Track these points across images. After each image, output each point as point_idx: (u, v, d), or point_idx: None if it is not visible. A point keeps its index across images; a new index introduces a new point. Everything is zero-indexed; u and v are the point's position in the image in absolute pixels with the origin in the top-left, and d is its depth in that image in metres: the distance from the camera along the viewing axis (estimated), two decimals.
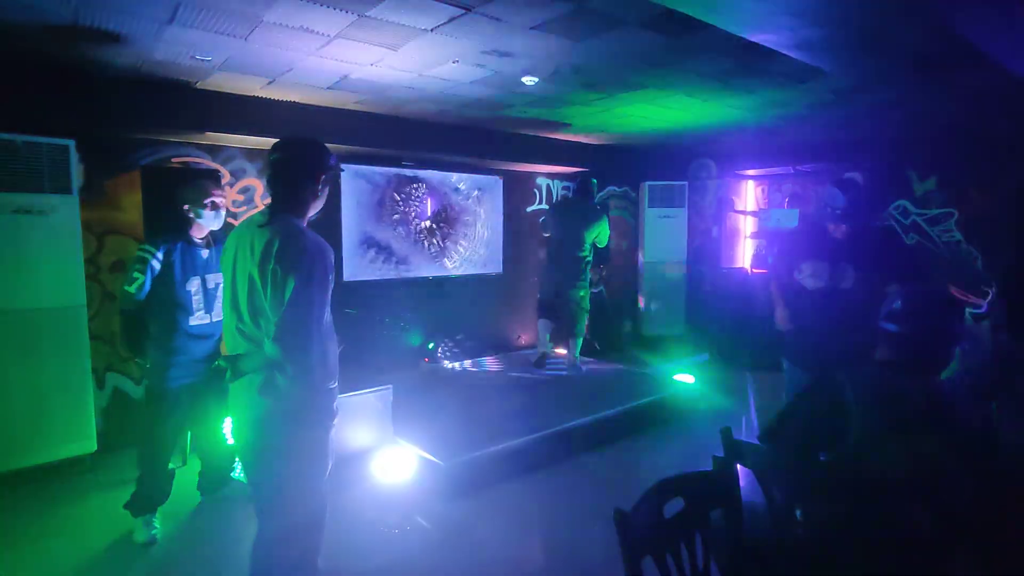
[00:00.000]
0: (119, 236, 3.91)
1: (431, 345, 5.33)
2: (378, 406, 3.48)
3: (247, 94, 3.87)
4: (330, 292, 1.70)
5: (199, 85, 3.65)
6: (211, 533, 2.91)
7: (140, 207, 3.80)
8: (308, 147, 1.75)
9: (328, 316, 1.75)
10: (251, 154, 4.42)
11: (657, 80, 3.55)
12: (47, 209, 3.31)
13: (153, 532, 2.78)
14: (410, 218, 5.27)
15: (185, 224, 2.79)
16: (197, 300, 2.78)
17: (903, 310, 1.58)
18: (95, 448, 3.56)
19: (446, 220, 5.52)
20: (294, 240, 1.63)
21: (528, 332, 6.31)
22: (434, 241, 5.46)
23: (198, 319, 2.78)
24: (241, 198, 4.41)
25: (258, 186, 4.49)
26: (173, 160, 4.09)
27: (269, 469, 1.74)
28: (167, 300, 2.71)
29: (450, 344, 5.46)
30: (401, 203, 5.22)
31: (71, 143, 3.35)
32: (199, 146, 4.18)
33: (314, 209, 1.79)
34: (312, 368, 1.65)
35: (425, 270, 5.40)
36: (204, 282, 2.81)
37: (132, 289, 2.65)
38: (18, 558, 2.67)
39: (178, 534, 2.87)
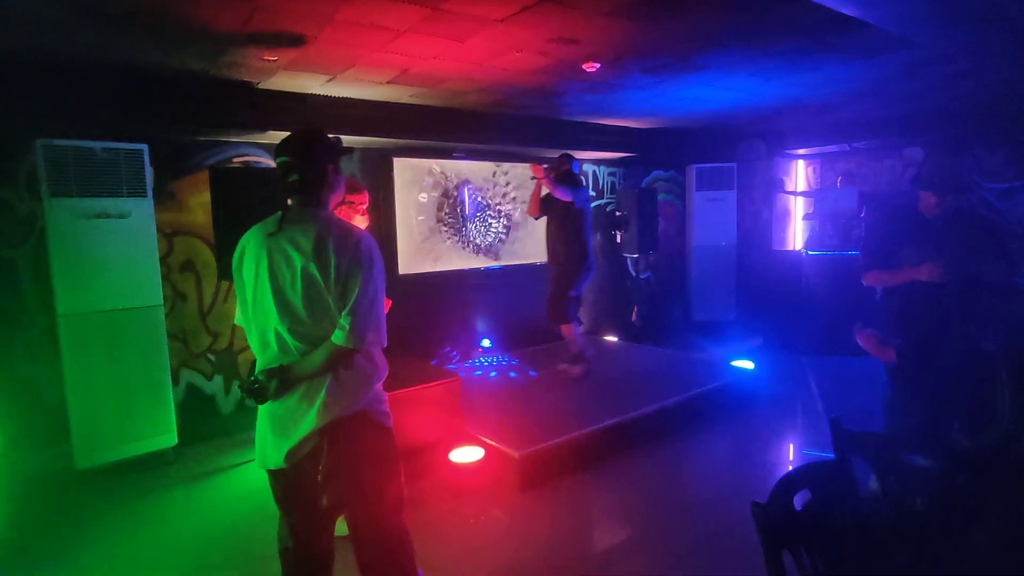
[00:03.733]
0: (187, 237, 4.02)
1: (487, 342, 5.37)
2: (448, 398, 3.52)
3: (306, 92, 3.92)
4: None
5: (262, 85, 3.70)
6: None
7: (206, 208, 3.91)
8: (316, 140, 1.69)
9: None
10: None
11: (721, 60, 3.46)
12: (125, 212, 3.42)
13: None
14: (460, 209, 5.29)
15: None
16: None
17: None
18: (176, 442, 3.69)
19: (494, 211, 5.52)
20: (346, 233, 1.62)
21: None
22: (482, 232, 5.46)
23: None
24: None
25: None
26: (234, 160, 4.18)
27: (368, 463, 1.68)
28: None
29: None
30: (451, 194, 5.23)
31: (145, 147, 3.44)
32: (258, 145, 4.26)
33: (335, 200, 1.74)
34: (379, 355, 1.72)
35: (474, 261, 5.42)
36: None
37: None
38: (114, 547, 2.80)
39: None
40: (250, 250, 1.67)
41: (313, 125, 1.80)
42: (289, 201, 1.68)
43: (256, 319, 1.66)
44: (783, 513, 1.36)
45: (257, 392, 1.59)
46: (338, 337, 1.58)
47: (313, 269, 1.57)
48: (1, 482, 2.90)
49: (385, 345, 1.70)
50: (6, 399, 3.33)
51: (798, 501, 1.45)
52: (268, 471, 1.69)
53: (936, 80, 4.02)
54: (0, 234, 3.40)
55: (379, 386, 1.75)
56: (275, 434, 1.63)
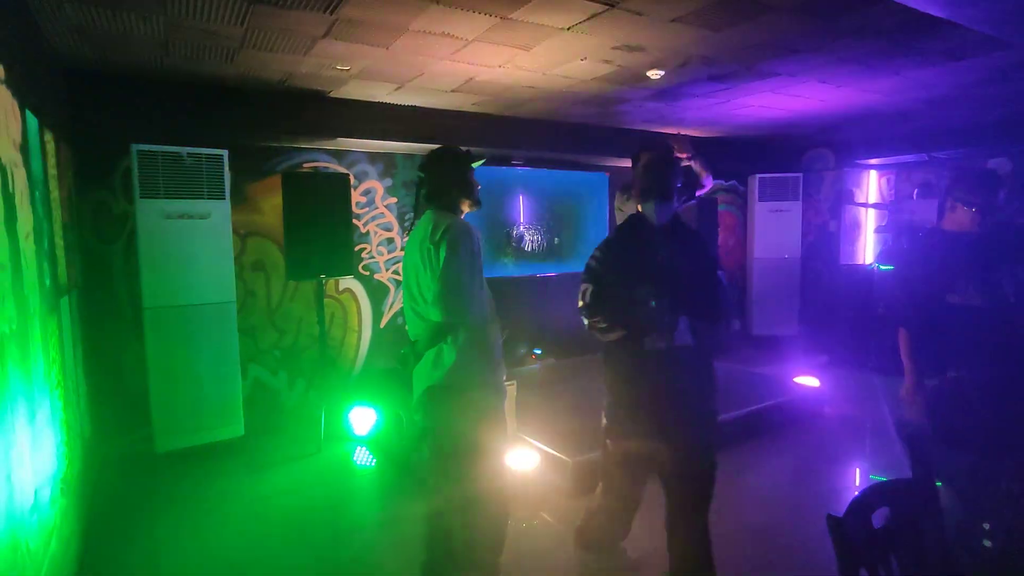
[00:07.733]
0: (259, 237, 4.24)
1: (539, 351, 5.36)
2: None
3: (374, 100, 4.07)
4: (479, 267, 1.92)
5: (333, 94, 3.88)
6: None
7: (277, 210, 4.10)
8: (445, 157, 2.02)
9: (488, 296, 2.00)
10: (373, 157, 4.64)
11: (791, 67, 3.37)
12: (205, 214, 3.64)
13: None
14: (518, 217, 5.34)
15: None
16: None
17: None
18: (242, 432, 3.87)
19: (553, 218, 5.54)
20: (442, 223, 1.90)
21: None
22: (541, 239, 5.49)
23: None
24: (364, 199, 4.64)
25: (379, 188, 4.70)
26: (304, 165, 4.38)
27: (445, 434, 1.92)
28: None
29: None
30: (510, 202, 5.29)
31: (225, 153, 3.66)
32: (328, 152, 4.45)
33: (466, 205, 2.03)
34: (473, 331, 1.88)
35: (532, 269, 5.45)
36: None
37: None
38: (186, 525, 2.96)
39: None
40: (407, 242, 2.05)
41: (448, 144, 2.10)
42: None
43: (404, 299, 2.04)
44: (861, 529, 1.30)
45: (401, 361, 1.94)
46: (432, 312, 1.84)
47: (419, 259, 1.90)
48: (88, 460, 3.12)
49: (471, 318, 1.86)
50: (96, 384, 3.59)
51: (877, 519, 1.39)
52: None
53: None
54: (97, 231, 3.70)
55: (483, 369, 1.92)
56: (415, 389, 2.01)
